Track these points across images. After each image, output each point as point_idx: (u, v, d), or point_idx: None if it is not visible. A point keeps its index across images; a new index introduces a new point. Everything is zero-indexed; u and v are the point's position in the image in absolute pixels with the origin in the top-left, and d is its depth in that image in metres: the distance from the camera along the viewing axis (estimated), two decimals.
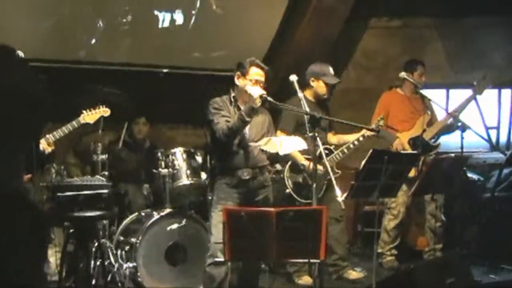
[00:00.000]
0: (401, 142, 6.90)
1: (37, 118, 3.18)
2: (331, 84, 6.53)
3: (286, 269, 6.65)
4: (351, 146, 6.29)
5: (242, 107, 5.34)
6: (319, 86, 6.44)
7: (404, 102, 7.06)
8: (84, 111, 6.05)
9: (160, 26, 8.01)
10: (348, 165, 7.78)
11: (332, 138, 6.63)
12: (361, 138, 6.29)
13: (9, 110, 2.98)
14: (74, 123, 5.93)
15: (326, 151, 6.27)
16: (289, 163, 6.30)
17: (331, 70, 6.47)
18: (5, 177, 2.97)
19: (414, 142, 6.92)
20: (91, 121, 6.09)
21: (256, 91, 5.13)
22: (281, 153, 5.06)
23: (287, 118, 6.27)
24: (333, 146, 6.46)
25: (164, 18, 7.99)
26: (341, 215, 6.54)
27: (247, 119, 5.15)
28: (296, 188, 6.28)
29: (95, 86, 6.36)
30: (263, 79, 5.36)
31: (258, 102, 5.12)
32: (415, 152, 6.60)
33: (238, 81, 5.40)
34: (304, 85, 6.40)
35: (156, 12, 7.97)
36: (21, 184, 3.33)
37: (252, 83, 5.29)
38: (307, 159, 6.15)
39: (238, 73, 5.40)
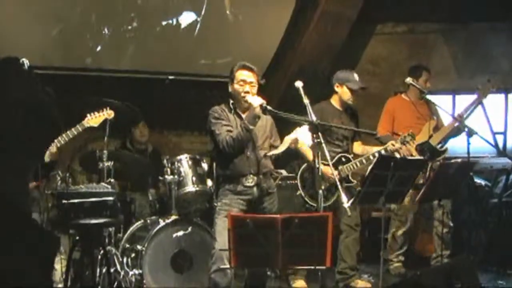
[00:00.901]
0: (408, 148, 6.87)
1: (45, 130, 3.17)
2: (356, 90, 6.48)
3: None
4: (371, 157, 6.25)
5: (241, 114, 5.36)
6: (343, 92, 6.44)
7: (409, 108, 7.03)
8: (88, 115, 6.02)
9: (165, 33, 8.03)
10: (357, 172, 7.78)
11: (358, 148, 6.60)
12: (383, 152, 6.26)
13: (17, 123, 2.97)
14: (78, 127, 5.91)
15: (344, 159, 6.29)
16: (304, 165, 6.27)
17: (355, 76, 6.49)
18: (12, 191, 2.95)
19: (421, 147, 6.90)
20: (95, 125, 6.05)
21: (256, 101, 5.15)
22: (309, 143, 5.01)
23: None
24: (351, 155, 6.43)
25: (169, 25, 8.01)
26: (357, 224, 6.49)
27: (251, 127, 5.17)
28: (307, 191, 6.26)
29: (96, 97, 6.32)
30: (252, 79, 5.33)
31: (258, 111, 5.13)
32: (421, 158, 6.57)
33: (230, 88, 5.41)
34: (331, 92, 6.49)
35: (161, 19, 7.99)
36: (27, 199, 3.32)
37: (240, 85, 5.29)
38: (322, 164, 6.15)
39: (229, 79, 5.41)
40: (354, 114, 6.64)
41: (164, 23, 8.02)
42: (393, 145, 6.29)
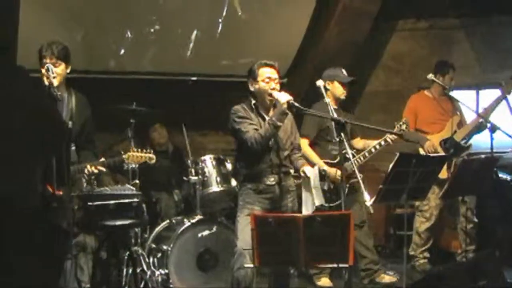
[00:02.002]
0: (433, 144, 6.87)
1: (49, 132, 3.22)
2: (347, 84, 6.50)
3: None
4: (373, 150, 6.30)
5: (263, 113, 5.35)
6: (335, 87, 6.46)
7: (432, 104, 7.02)
8: (131, 150, 5.80)
9: (187, 34, 8.09)
10: (379, 168, 7.78)
11: (359, 143, 6.64)
12: (383, 143, 6.28)
13: (21, 126, 3.02)
14: (116, 160, 5.67)
15: (347, 156, 6.25)
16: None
17: (343, 71, 6.53)
18: (20, 192, 3.01)
19: (446, 143, 6.90)
20: (134, 164, 5.90)
21: (283, 97, 5.12)
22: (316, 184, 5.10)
23: (309, 124, 6.28)
24: (354, 151, 6.45)
25: (191, 27, 8.06)
26: (363, 221, 6.49)
27: (279, 124, 5.14)
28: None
29: (124, 104, 6.31)
30: (275, 75, 5.33)
31: (285, 108, 5.11)
32: (442, 154, 6.57)
33: (253, 87, 5.38)
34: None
35: (183, 21, 8.04)
36: (37, 198, 3.36)
37: (266, 82, 5.27)
38: (327, 163, 6.15)
39: (250, 79, 5.39)
40: (348, 110, 6.66)
41: (185, 25, 8.07)
42: (392, 133, 6.27)
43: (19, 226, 2.91)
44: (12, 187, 3.02)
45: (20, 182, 3.09)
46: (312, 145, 6.34)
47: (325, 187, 6.20)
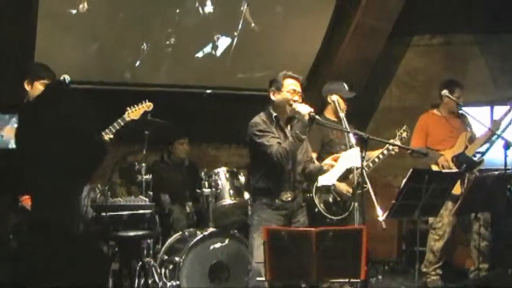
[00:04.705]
0: (446, 159, 6.85)
1: (91, 154, 3.23)
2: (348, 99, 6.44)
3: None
4: (376, 160, 6.25)
5: (283, 126, 5.30)
6: (338, 102, 6.36)
7: (442, 122, 6.99)
8: (128, 108, 6.03)
9: (203, 48, 8.14)
10: (393, 183, 7.77)
11: None
12: (385, 152, 6.24)
13: (64, 148, 3.03)
14: (119, 121, 5.86)
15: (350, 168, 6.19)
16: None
17: (346, 86, 6.44)
18: (61, 213, 3.03)
19: (458, 159, 6.87)
20: (136, 117, 6.02)
21: (305, 109, 5.06)
22: (358, 165, 5.03)
23: (313, 139, 6.12)
24: None
25: (207, 40, 8.11)
26: None
27: (303, 137, 5.09)
28: (325, 206, 6.21)
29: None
30: (299, 88, 5.30)
31: (307, 120, 5.05)
32: (456, 171, 6.55)
33: (275, 97, 5.30)
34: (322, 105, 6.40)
35: (199, 34, 8.10)
36: (76, 219, 3.36)
37: (290, 93, 5.22)
38: None
39: (273, 88, 5.31)
40: (348, 121, 6.60)
41: (201, 38, 8.12)
42: (391, 145, 6.20)
43: (71, 250, 2.93)
44: (63, 212, 3.04)
45: (70, 207, 3.12)
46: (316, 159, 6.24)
47: (330, 199, 6.14)
